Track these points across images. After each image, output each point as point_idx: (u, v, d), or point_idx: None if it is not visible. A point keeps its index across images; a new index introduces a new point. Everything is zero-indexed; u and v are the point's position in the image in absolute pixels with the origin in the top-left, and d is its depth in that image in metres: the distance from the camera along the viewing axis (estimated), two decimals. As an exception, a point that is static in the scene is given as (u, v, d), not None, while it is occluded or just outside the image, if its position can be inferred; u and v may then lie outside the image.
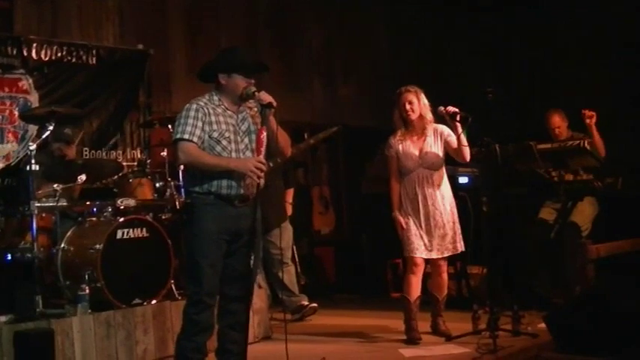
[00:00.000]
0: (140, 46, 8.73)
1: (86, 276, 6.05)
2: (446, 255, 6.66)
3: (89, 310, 5.94)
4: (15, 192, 6.91)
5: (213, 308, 5.10)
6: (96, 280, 6.06)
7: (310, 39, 10.74)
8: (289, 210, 8.17)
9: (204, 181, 5.04)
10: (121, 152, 8.49)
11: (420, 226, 6.57)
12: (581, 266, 7.77)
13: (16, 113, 7.72)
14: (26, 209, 6.10)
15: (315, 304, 7.97)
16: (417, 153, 6.63)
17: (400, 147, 6.66)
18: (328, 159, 11.39)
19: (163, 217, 6.97)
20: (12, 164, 7.57)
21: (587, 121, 7.68)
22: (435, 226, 6.57)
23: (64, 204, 6.41)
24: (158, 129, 7.97)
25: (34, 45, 7.91)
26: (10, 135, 7.70)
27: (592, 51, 10.42)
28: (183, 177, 6.67)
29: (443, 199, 6.63)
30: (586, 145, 7.32)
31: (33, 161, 6.06)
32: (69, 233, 6.39)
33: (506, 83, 10.51)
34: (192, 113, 5.02)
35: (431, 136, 6.67)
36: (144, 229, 6.46)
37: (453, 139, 6.60)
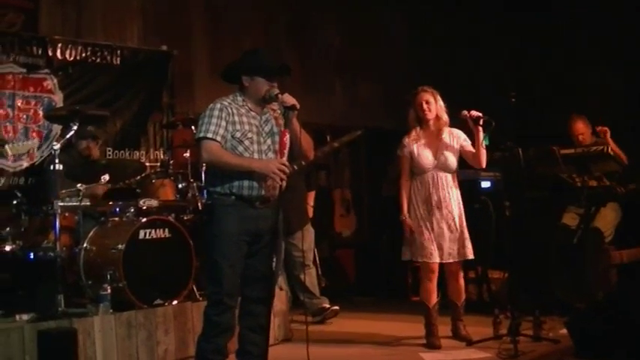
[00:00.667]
0: (163, 47, 8.75)
1: (108, 276, 6.07)
2: (458, 259, 6.63)
3: (111, 310, 5.96)
4: (38, 191, 6.98)
5: (234, 309, 5.10)
6: (118, 280, 6.08)
7: (331, 40, 10.74)
8: (310, 212, 8.17)
9: (225, 182, 5.04)
10: (144, 153, 8.51)
11: (432, 230, 6.53)
12: (604, 272, 7.73)
13: (41, 113, 7.76)
14: (49, 208, 6.12)
15: (336, 307, 7.96)
16: (432, 154, 6.61)
17: (415, 147, 6.63)
18: (350, 161, 11.38)
19: (185, 218, 6.98)
20: (36, 164, 7.61)
21: (602, 136, 7.68)
22: (447, 229, 6.54)
23: (87, 204, 6.46)
24: (181, 130, 8.00)
25: (59, 45, 7.95)
26: (34, 134, 7.73)
27: (608, 55, 10.35)
28: (205, 178, 6.69)
29: (455, 202, 6.62)
30: (609, 150, 7.28)
31: (57, 161, 6.09)
32: (91, 233, 6.42)
33: (523, 86, 10.45)
34: (216, 112, 5.02)
35: (446, 138, 6.65)
36: (166, 230, 6.48)
37: (468, 143, 6.60)
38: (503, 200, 6.68)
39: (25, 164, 7.62)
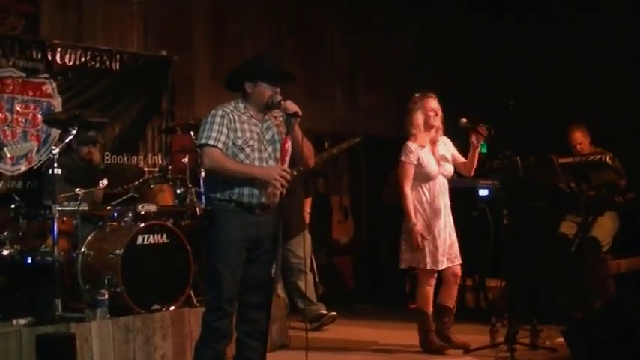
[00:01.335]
0: (164, 52, 8.75)
1: (106, 280, 6.07)
2: (456, 263, 6.67)
3: (108, 315, 5.96)
4: (37, 195, 6.99)
5: (232, 315, 5.09)
6: (115, 285, 6.09)
7: (333, 47, 10.74)
8: (307, 219, 8.18)
9: (226, 189, 5.03)
10: (142, 158, 8.51)
11: (439, 236, 6.56)
12: (601, 281, 7.75)
13: (40, 117, 7.75)
14: (48, 213, 6.14)
15: (334, 313, 7.97)
16: (435, 160, 6.63)
17: (421, 153, 6.64)
18: (349, 168, 11.38)
19: (183, 224, 6.99)
20: (34, 168, 7.61)
21: None
22: (449, 234, 6.62)
23: (86, 208, 6.45)
24: (180, 135, 8.01)
25: (59, 49, 7.94)
26: (33, 138, 7.71)
27: (608, 56, 10.36)
28: (203, 184, 6.69)
29: (450, 208, 6.69)
30: (607, 159, 7.29)
31: (55, 165, 6.09)
32: (89, 237, 6.42)
33: (527, 95, 10.46)
34: (217, 119, 5.01)
35: (441, 145, 6.70)
36: (164, 235, 6.48)
37: (456, 152, 6.73)
38: (502, 209, 6.69)
39: (24, 168, 7.61)
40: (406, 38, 11.32)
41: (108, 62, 8.31)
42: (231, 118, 5.03)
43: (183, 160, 7.38)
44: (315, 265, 8.58)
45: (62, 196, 6.33)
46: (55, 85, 7.92)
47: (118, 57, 8.37)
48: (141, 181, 7.16)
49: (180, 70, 8.92)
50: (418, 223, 6.56)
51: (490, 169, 7.32)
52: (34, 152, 7.65)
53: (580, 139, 8.11)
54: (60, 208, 6.15)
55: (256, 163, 5.06)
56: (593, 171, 7.47)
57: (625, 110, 9.90)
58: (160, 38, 8.92)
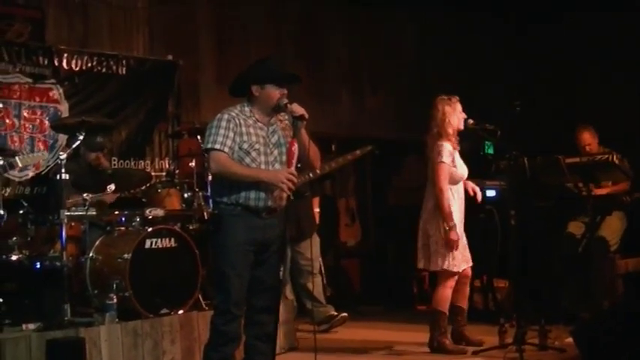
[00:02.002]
0: (170, 57, 8.76)
1: (114, 285, 6.08)
2: (470, 265, 6.71)
3: (117, 319, 5.97)
4: (45, 201, 7.00)
5: (240, 319, 5.09)
6: (124, 290, 6.10)
7: (338, 50, 10.75)
8: (317, 218, 8.18)
9: (232, 192, 5.04)
10: (149, 162, 8.52)
11: (461, 238, 6.60)
12: (610, 281, 7.74)
13: (47, 122, 7.77)
14: (56, 218, 6.15)
15: (345, 314, 7.96)
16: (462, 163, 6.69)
17: (455, 155, 6.66)
18: (355, 171, 11.37)
19: (191, 228, 6.99)
20: (42, 173, 7.63)
21: None
22: (466, 235, 6.66)
23: (93, 213, 6.46)
24: (187, 139, 8.01)
25: (65, 55, 7.96)
26: (40, 144, 7.75)
27: (608, 56, 10.35)
28: (210, 187, 6.70)
29: None
30: (615, 159, 7.28)
31: (63, 170, 6.10)
32: (97, 242, 6.44)
33: (527, 95, 10.46)
34: (223, 123, 5.02)
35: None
36: (172, 239, 6.49)
37: None
38: (509, 209, 6.68)
39: (31, 174, 7.63)
40: (411, 41, 11.32)
41: (114, 67, 8.33)
42: (237, 122, 5.04)
43: (190, 164, 7.39)
44: (322, 267, 8.58)
45: (70, 201, 6.35)
46: (61, 90, 7.95)
47: (124, 62, 8.39)
48: (148, 185, 7.18)
49: (185, 75, 8.94)
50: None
51: (497, 170, 7.33)
52: (42, 158, 7.67)
53: (589, 139, 8.08)
54: (68, 214, 6.15)
55: (262, 166, 5.06)
56: (601, 171, 7.47)
57: (625, 110, 9.89)
58: (165, 43, 8.94)
